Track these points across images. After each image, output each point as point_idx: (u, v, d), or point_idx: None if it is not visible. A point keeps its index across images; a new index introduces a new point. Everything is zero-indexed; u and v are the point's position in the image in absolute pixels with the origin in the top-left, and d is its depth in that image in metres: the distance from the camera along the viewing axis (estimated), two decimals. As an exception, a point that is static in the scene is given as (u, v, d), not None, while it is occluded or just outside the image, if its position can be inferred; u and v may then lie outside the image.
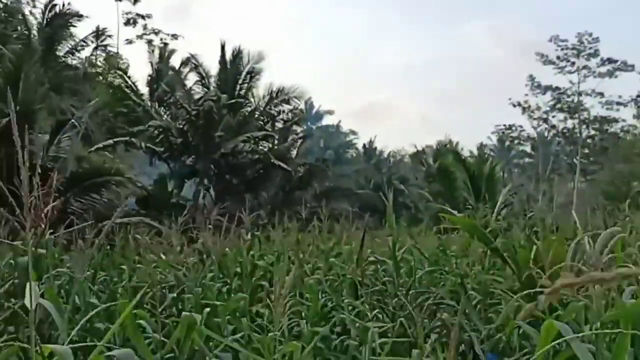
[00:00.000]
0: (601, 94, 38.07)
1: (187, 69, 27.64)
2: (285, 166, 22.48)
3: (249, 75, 26.07)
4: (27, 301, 1.66)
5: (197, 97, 25.79)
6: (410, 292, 4.59)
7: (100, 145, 19.03)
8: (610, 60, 37.44)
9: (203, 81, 26.41)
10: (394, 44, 70.23)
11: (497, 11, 64.32)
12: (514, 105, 39.42)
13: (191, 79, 26.97)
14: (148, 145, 22.81)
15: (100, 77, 26.46)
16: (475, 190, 15.57)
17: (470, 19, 68.91)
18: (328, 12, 70.99)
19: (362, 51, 69.97)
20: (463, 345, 3.69)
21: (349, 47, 69.78)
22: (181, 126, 24.21)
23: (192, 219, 8.54)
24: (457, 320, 4.05)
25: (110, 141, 20.04)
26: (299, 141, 27.60)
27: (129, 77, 26.72)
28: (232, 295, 4.54)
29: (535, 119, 39.59)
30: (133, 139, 21.94)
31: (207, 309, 3.47)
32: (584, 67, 37.89)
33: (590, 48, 37.73)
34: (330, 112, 34.64)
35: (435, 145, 30.38)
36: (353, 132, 37.90)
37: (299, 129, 28.74)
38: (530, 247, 3.93)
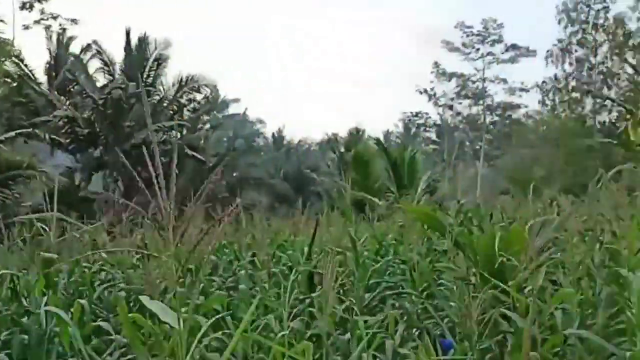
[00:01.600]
0: (504, 81, 40.01)
1: (88, 56, 26.46)
2: (199, 156, 22.03)
3: (156, 63, 25.30)
4: (170, 320, 1.72)
5: (100, 85, 24.78)
6: (370, 283, 4.46)
7: (2, 137, 17.87)
8: (514, 47, 39.29)
9: (107, 68, 25.32)
10: (296, 30, 70.20)
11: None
12: (421, 93, 40.71)
13: (92, 66, 25.81)
14: (52, 137, 21.65)
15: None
16: (397, 178, 15.88)
17: (374, 5, 69.82)
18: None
19: (262, 38, 69.56)
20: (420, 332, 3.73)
21: (249, 34, 69.05)
22: (88, 116, 23.17)
23: (102, 212, 8.15)
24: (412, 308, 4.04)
25: (12, 133, 18.84)
26: (210, 131, 27.17)
27: (25, 65, 25.19)
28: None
29: (440, 105, 41.10)
30: (36, 130, 20.75)
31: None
32: (489, 53, 39.66)
33: (495, 34, 39.49)
34: (236, 101, 34.17)
35: (347, 133, 30.77)
36: (260, 121, 37.79)
37: (206, 118, 28.29)
38: (491, 234, 3.96)
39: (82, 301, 3.60)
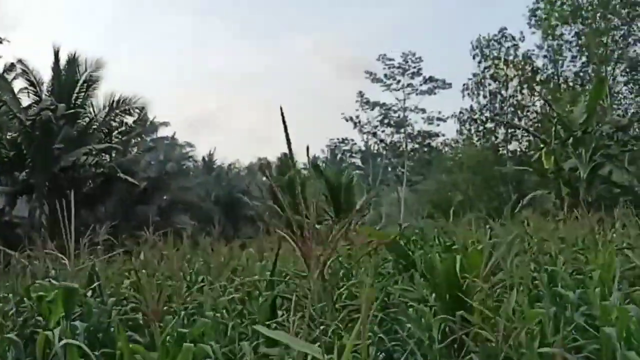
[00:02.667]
0: (423, 110, 42.07)
1: (11, 76, 25.76)
2: (132, 180, 21.92)
3: (86, 84, 24.84)
4: (309, 351, 1.67)
5: (25, 105, 24.17)
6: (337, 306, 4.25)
7: None
8: (431, 79, 41.45)
9: (34, 89, 24.69)
10: (221, 55, 70.50)
11: (323, 27, 67.10)
12: (347, 120, 42.25)
13: (17, 86, 25.11)
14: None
15: None
16: (335, 202, 16.55)
17: (296, 33, 71.11)
18: (156, 20, 69.36)
19: (190, 61, 69.46)
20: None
21: (177, 58, 68.83)
22: (13, 137, 22.57)
23: (28, 238, 8.04)
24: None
25: None
26: (141, 153, 26.99)
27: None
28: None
29: (365, 133, 42.75)
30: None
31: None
32: (409, 85, 41.60)
33: (414, 67, 41.52)
34: (165, 124, 34.12)
35: (278, 158, 31.39)
36: (190, 145, 37.78)
37: (135, 141, 28.00)
38: (452, 258, 4.02)
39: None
